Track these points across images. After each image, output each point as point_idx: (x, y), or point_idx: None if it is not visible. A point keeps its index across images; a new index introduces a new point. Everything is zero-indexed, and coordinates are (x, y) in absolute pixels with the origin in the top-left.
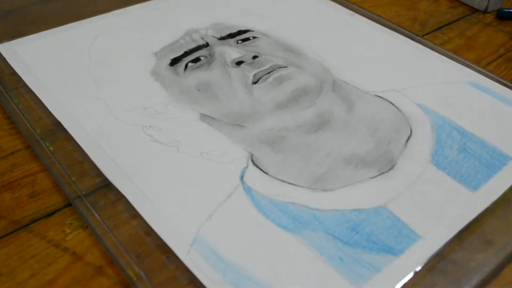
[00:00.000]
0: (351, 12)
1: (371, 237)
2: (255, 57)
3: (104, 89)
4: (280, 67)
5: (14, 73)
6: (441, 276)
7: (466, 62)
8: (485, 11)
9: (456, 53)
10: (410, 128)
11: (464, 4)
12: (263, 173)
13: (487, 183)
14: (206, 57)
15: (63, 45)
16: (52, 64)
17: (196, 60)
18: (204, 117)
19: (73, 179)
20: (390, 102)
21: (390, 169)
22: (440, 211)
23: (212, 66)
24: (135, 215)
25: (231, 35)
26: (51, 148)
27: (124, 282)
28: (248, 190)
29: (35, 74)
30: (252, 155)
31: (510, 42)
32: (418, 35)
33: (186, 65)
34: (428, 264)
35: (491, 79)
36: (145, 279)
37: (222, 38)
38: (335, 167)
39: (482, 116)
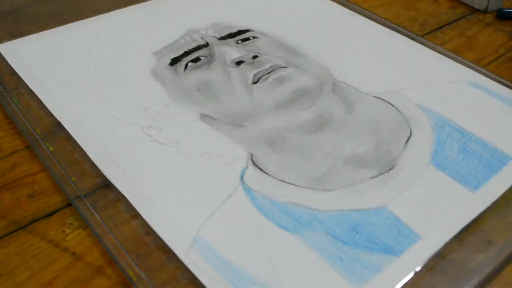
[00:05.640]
0: (351, 12)
1: (371, 237)
2: (255, 57)
3: (104, 89)
4: (280, 67)
5: (14, 73)
6: (441, 276)
7: (466, 62)
8: (485, 11)
9: (456, 53)
10: (410, 129)
11: (464, 4)
12: (263, 173)
13: (487, 183)
14: (206, 57)
15: (63, 45)
16: (52, 64)
17: (196, 60)
18: (204, 117)
19: (73, 179)
20: (390, 103)
21: (390, 169)
22: (440, 211)
23: (212, 66)
24: (135, 215)
25: (231, 35)
26: (51, 148)
27: (124, 282)
28: (248, 190)
29: (35, 74)
30: (252, 155)
31: (510, 42)
32: (418, 35)
33: (186, 65)
34: (428, 264)
35: (491, 79)
36: (145, 279)
37: (222, 38)
38: (335, 167)
39: (482, 116)
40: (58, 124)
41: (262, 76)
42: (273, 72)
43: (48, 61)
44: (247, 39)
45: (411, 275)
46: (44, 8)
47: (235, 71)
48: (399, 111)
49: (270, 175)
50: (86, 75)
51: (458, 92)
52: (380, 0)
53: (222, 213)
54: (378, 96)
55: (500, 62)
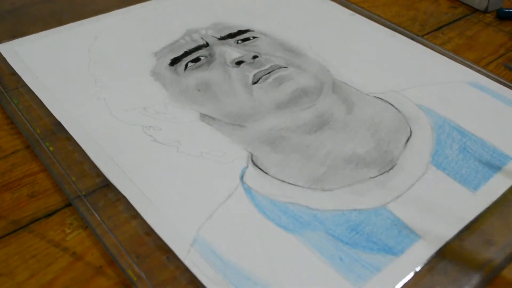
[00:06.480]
0: (351, 12)
1: (371, 237)
2: (255, 57)
3: (104, 89)
4: (280, 67)
5: (14, 73)
6: (441, 276)
7: (466, 62)
8: (485, 11)
9: (456, 53)
10: (410, 129)
11: (464, 4)
12: (263, 173)
13: (487, 183)
14: (206, 57)
15: (63, 45)
16: (52, 64)
17: (196, 60)
18: (204, 117)
19: (73, 179)
20: (390, 103)
21: (390, 169)
22: (440, 211)
23: (212, 66)
24: (135, 215)
25: (231, 35)
26: (51, 148)
27: (124, 282)
28: (248, 190)
29: (35, 74)
30: (252, 155)
31: (510, 42)
32: (418, 35)
33: (186, 65)
34: (428, 264)
35: (491, 79)
36: (145, 279)
37: (222, 38)
38: (335, 167)
39: (482, 116)
40: (58, 124)
41: (262, 76)
42: (273, 72)
43: (48, 61)
44: (247, 39)
45: (411, 275)
46: (44, 8)
47: (235, 71)
48: (399, 111)
49: (270, 175)
50: (86, 75)
51: (458, 92)
52: (380, 0)
53: (222, 213)
54: (378, 96)
55: (500, 62)
